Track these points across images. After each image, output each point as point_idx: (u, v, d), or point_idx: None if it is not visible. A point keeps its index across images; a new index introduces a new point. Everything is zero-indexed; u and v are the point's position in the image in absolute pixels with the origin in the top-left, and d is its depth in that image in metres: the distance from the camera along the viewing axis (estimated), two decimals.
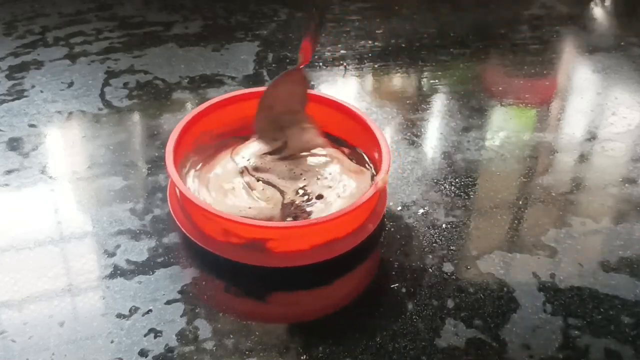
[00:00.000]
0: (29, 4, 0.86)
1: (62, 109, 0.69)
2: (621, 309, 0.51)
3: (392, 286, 0.51)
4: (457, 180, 0.63)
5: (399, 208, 0.59)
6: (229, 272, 0.51)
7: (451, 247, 0.55)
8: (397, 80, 0.79)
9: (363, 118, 0.60)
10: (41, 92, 0.71)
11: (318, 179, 0.57)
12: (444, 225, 0.57)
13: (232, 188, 0.55)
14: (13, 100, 0.69)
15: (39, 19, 0.83)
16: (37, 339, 0.46)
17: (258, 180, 0.56)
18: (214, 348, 0.46)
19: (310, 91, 0.60)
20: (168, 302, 0.49)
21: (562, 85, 0.81)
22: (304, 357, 0.46)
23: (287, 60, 0.79)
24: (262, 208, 0.53)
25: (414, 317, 0.49)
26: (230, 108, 0.61)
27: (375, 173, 0.58)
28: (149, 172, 0.61)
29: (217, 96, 0.59)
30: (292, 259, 0.51)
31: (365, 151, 0.61)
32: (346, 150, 0.61)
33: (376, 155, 0.57)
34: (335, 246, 0.52)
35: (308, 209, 0.54)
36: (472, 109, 0.74)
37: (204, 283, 0.51)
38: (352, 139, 0.62)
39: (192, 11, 0.87)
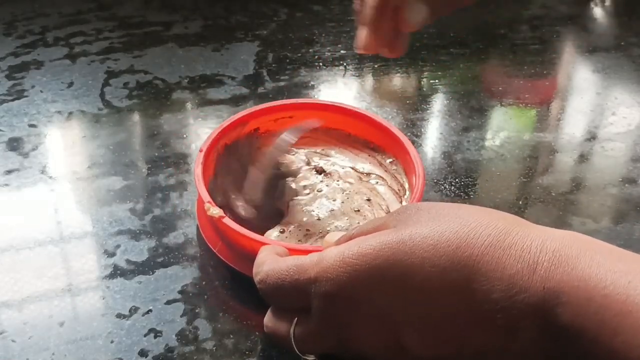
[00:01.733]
0: (29, 4, 0.86)
1: (62, 109, 0.69)
2: None
3: None
4: (457, 180, 0.63)
5: None
6: (230, 272, 0.51)
7: None
8: (397, 80, 0.79)
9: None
10: (41, 92, 0.71)
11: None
12: None
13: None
14: (13, 100, 0.69)
15: (39, 19, 0.83)
16: (37, 339, 0.46)
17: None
18: (214, 348, 0.46)
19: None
20: (168, 302, 0.49)
21: (562, 85, 0.81)
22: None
23: (287, 60, 0.79)
24: None
25: None
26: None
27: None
28: (149, 172, 0.61)
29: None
30: None
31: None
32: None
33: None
34: None
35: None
36: (472, 109, 0.74)
37: (204, 283, 0.51)
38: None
39: (192, 11, 0.87)
